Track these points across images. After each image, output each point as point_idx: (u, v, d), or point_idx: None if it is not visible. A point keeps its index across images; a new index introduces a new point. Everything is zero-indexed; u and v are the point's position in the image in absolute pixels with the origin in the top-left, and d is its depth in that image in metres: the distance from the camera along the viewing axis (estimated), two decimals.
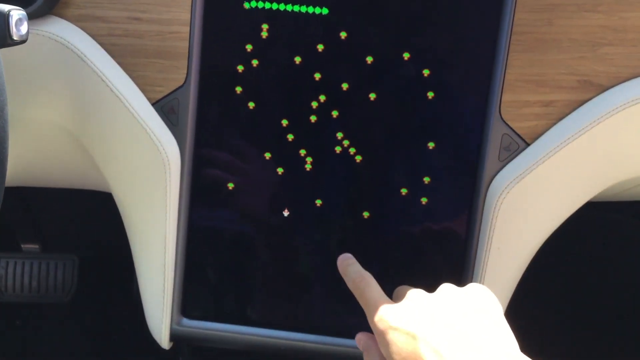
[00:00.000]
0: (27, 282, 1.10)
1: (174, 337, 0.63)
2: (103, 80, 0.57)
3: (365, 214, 0.61)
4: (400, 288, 0.53)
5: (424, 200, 0.60)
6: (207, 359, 0.75)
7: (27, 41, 0.47)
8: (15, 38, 0.43)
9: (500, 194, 0.57)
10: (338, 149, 0.60)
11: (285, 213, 0.61)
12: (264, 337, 0.63)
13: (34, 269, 1.11)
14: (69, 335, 1.19)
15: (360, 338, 0.54)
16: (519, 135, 0.58)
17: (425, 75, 0.58)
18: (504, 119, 0.57)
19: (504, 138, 0.58)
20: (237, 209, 0.62)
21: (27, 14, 0.47)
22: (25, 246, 1.14)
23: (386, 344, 0.48)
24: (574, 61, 0.57)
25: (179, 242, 0.61)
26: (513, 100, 0.57)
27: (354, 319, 0.63)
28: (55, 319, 1.19)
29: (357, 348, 0.57)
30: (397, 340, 0.47)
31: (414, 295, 0.50)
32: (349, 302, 0.63)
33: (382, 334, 0.48)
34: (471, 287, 0.50)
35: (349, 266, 0.56)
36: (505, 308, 0.62)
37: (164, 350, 0.65)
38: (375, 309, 0.50)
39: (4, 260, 1.11)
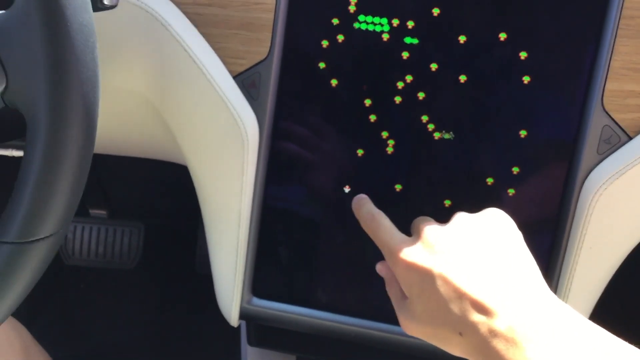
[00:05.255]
0: (93, 247, 1.13)
1: (243, 315, 0.62)
2: (186, 50, 0.55)
3: (447, 202, 0.58)
4: (415, 222, 0.51)
5: (511, 191, 0.57)
6: (271, 338, 0.74)
7: None
8: (105, 2, 0.42)
9: (598, 190, 0.53)
10: (422, 133, 0.57)
11: (347, 189, 0.59)
12: (333, 322, 0.61)
13: (101, 235, 1.13)
14: (132, 301, 1.21)
15: (381, 269, 0.53)
16: (621, 128, 0.54)
17: (522, 58, 0.54)
18: (606, 110, 0.53)
19: (604, 130, 0.54)
20: (314, 189, 0.60)
21: None
22: (93, 211, 1.16)
23: (404, 281, 0.47)
24: None
25: (253, 220, 0.60)
26: (617, 89, 0.53)
27: None
28: (119, 284, 1.21)
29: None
30: (415, 278, 0.45)
31: (429, 229, 0.48)
32: None
33: (400, 272, 0.47)
34: (488, 213, 0.48)
35: (362, 207, 0.54)
36: (592, 309, 0.58)
37: (224, 320, 0.64)
38: (390, 248, 0.48)
39: (72, 224, 1.13)
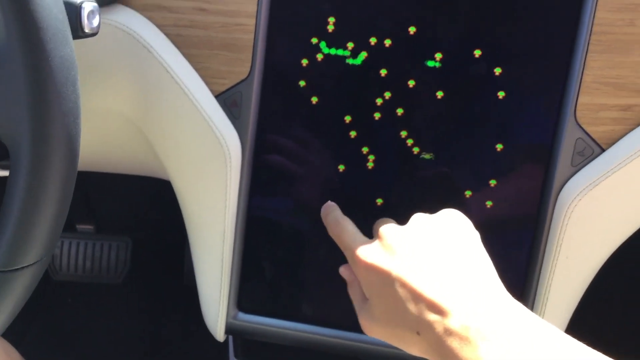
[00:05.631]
0: (81, 262, 1.13)
1: (229, 330, 0.63)
2: (168, 72, 0.56)
3: None
4: (375, 224, 0.53)
5: (488, 203, 0.58)
6: (258, 351, 0.75)
7: None
8: (86, 30, 0.43)
9: (572, 201, 0.55)
10: (402, 148, 0.58)
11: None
12: (319, 335, 0.62)
13: (88, 250, 1.13)
14: (119, 315, 1.22)
15: (344, 271, 0.55)
16: (594, 140, 0.55)
17: (497, 73, 0.55)
18: (579, 123, 0.55)
19: (577, 142, 0.55)
20: (296, 206, 0.61)
21: (95, 1, 0.46)
22: (80, 227, 1.16)
23: (364, 282, 0.48)
24: None
25: (237, 236, 0.61)
26: (589, 103, 0.55)
27: None
28: (106, 299, 1.22)
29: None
30: (374, 279, 0.47)
31: (388, 230, 0.49)
32: None
33: (360, 273, 0.49)
34: (445, 213, 0.50)
35: (329, 214, 0.56)
36: (569, 318, 0.60)
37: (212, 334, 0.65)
38: (351, 250, 0.50)
39: (60, 239, 1.13)
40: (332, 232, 0.55)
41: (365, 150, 0.59)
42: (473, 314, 0.41)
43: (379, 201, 0.60)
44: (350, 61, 0.56)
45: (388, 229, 0.49)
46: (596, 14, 0.53)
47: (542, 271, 0.57)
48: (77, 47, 0.55)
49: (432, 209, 0.59)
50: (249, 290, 0.63)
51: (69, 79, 0.36)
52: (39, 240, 0.37)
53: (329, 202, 0.58)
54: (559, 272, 0.56)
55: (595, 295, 0.67)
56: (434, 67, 0.56)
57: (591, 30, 0.53)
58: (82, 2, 0.42)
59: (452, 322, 0.41)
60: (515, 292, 0.59)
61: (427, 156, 0.58)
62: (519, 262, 0.59)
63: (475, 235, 0.48)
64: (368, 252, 0.48)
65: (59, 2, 0.37)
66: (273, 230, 0.62)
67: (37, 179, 0.35)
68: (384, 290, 0.46)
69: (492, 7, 0.54)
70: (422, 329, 0.43)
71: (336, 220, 0.54)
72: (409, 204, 0.59)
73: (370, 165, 0.59)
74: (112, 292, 1.18)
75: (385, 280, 0.46)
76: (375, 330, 0.48)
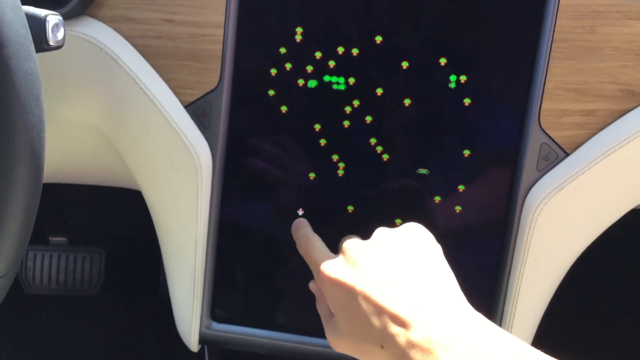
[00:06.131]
0: (54, 274, 1.12)
1: (202, 340, 0.63)
2: (136, 83, 0.56)
3: (398, 222, 0.60)
4: (341, 241, 0.53)
5: (457, 208, 0.59)
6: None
7: None
8: (51, 43, 0.43)
9: (539, 205, 0.56)
10: (371, 155, 0.59)
11: (300, 212, 0.61)
12: (293, 343, 0.63)
13: (61, 262, 1.12)
14: (95, 328, 1.20)
15: (313, 286, 0.55)
16: (558, 145, 0.56)
17: (462, 81, 0.56)
18: (543, 128, 0.56)
19: (542, 147, 0.56)
20: (268, 214, 0.61)
21: (61, 14, 0.46)
22: (53, 239, 1.15)
23: (329, 297, 0.49)
24: (616, 69, 0.55)
25: (209, 246, 0.61)
26: (553, 108, 0.56)
27: None
28: (81, 311, 1.20)
29: None
30: (339, 294, 0.47)
31: (352, 246, 0.50)
32: None
33: (325, 288, 0.49)
34: (407, 227, 0.50)
35: (299, 230, 0.57)
36: (539, 320, 0.61)
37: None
38: (317, 265, 0.51)
39: (32, 252, 1.12)
40: (300, 248, 0.55)
41: (335, 158, 0.59)
42: (435, 326, 0.41)
43: (350, 208, 0.60)
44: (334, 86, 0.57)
45: (351, 244, 0.50)
46: (557, 22, 0.54)
47: (511, 274, 0.58)
48: (44, 59, 0.55)
49: (402, 214, 0.60)
50: (222, 299, 0.63)
51: (33, 93, 0.36)
52: (4, 255, 0.37)
53: (300, 218, 0.58)
54: (528, 274, 0.57)
55: (562, 304, 0.68)
56: (401, 75, 0.57)
57: (552, 37, 0.55)
58: (46, 15, 0.42)
59: (414, 334, 0.41)
60: (486, 295, 0.60)
61: (422, 171, 0.59)
62: (488, 265, 0.59)
63: (437, 248, 0.49)
64: (332, 267, 0.49)
65: (22, 16, 0.37)
66: (245, 239, 0.62)
67: (0, 193, 0.35)
68: (348, 304, 0.46)
69: (456, 16, 0.55)
70: (386, 342, 0.43)
71: (305, 236, 0.55)
72: (379, 210, 0.60)
73: (340, 172, 0.60)
74: (87, 304, 1.17)
75: (349, 294, 0.46)
76: (342, 344, 0.48)
